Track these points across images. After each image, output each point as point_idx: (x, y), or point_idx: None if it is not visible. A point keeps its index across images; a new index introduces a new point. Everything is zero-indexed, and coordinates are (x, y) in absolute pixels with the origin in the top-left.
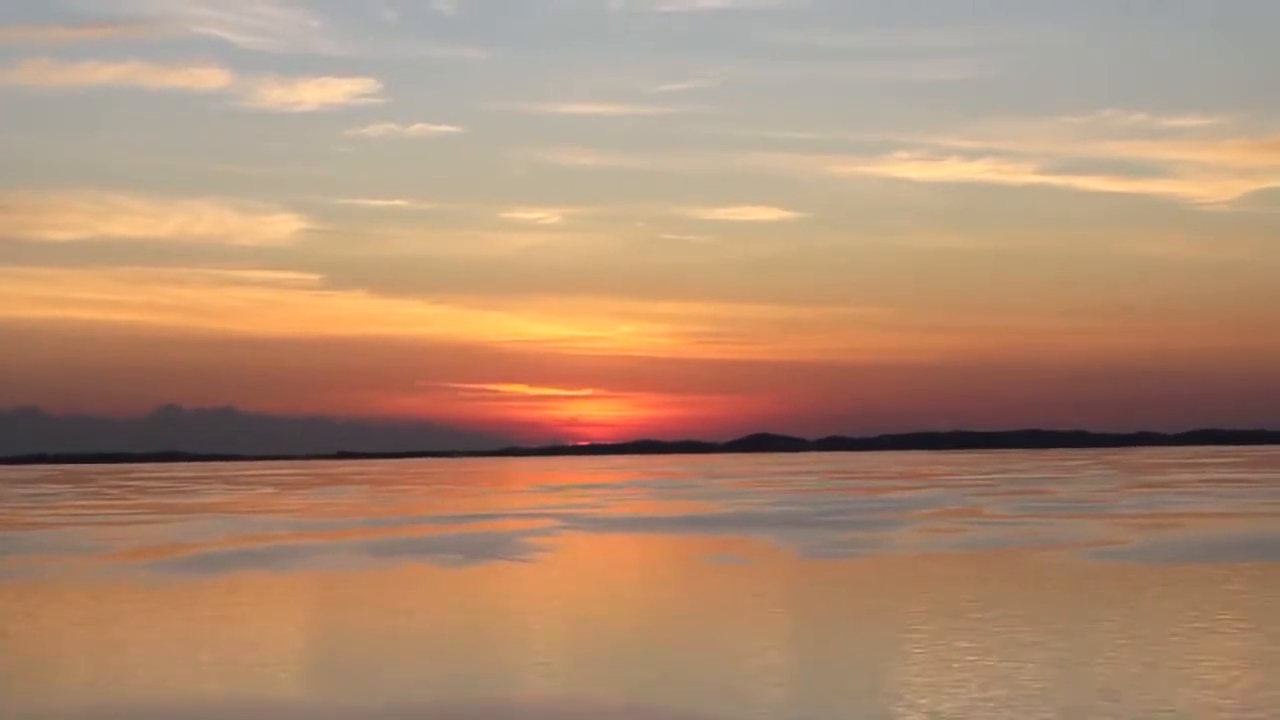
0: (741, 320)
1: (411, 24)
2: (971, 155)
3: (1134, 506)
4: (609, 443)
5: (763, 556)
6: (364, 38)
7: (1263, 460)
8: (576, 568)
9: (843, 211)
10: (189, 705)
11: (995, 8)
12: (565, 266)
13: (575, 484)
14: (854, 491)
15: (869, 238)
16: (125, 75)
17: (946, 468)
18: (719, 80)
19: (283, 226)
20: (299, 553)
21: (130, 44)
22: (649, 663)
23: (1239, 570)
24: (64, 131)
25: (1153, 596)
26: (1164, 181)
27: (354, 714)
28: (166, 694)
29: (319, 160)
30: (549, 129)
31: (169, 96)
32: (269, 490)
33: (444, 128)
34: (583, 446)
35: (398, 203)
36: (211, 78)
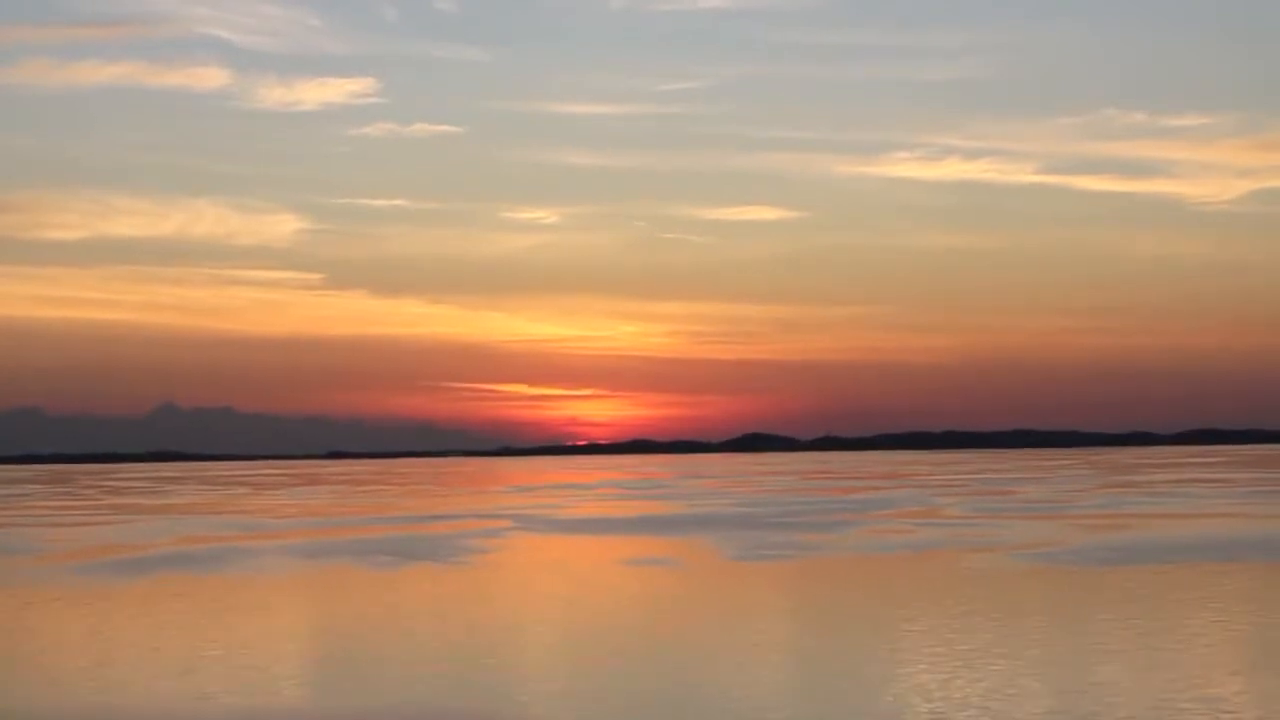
0: (741, 320)
1: (412, 24)
2: (971, 155)
3: (1094, 507)
4: (608, 442)
5: (691, 559)
6: (364, 37)
7: (1255, 460)
8: (501, 571)
9: (843, 211)
10: (47, 713)
11: (995, 8)
12: (565, 266)
13: (550, 484)
14: (823, 492)
15: (869, 237)
16: (125, 75)
17: (927, 468)
18: (719, 80)
19: (282, 226)
20: (232, 555)
21: (131, 44)
22: (521, 669)
23: (1162, 573)
24: (64, 131)
25: (1057, 599)
26: (1163, 181)
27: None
28: (29, 701)
29: (319, 160)
30: (549, 129)
31: (169, 96)
32: (242, 490)
33: (444, 127)
34: (581, 446)
35: (398, 202)
36: (212, 77)
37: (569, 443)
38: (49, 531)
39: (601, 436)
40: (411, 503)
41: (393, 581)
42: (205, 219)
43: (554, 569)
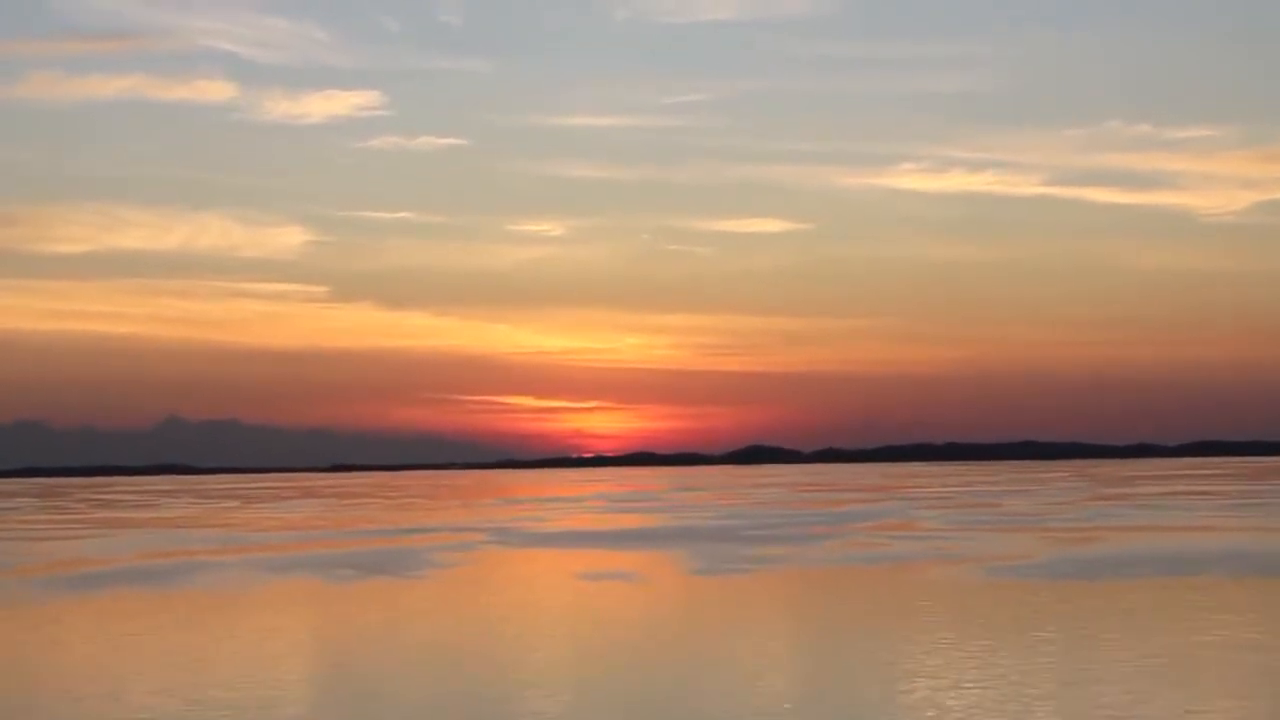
0: (747, 332)
1: (416, 36)
2: (976, 167)
3: (1073, 520)
4: (613, 454)
5: (654, 573)
6: (369, 50)
7: (1254, 472)
8: (455, 586)
9: (847, 223)
10: None
11: (1000, 20)
12: (571, 278)
13: (542, 497)
14: (809, 505)
15: (874, 249)
16: (131, 88)
17: (921, 480)
18: (723, 92)
19: (288, 238)
20: (195, 569)
21: (137, 57)
22: (444, 686)
23: (1116, 588)
24: (70, 144)
25: (1002, 613)
26: (1169, 193)
27: None
28: None
29: (324, 172)
30: (554, 141)
31: (175, 109)
32: (232, 504)
33: (449, 140)
34: (586, 459)
35: (403, 215)
36: (217, 90)
37: (574, 455)
38: (22, 545)
39: (606, 449)
40: (395, 516)
41: (343, 596)
42: (210, 231)
43: (509, 584)
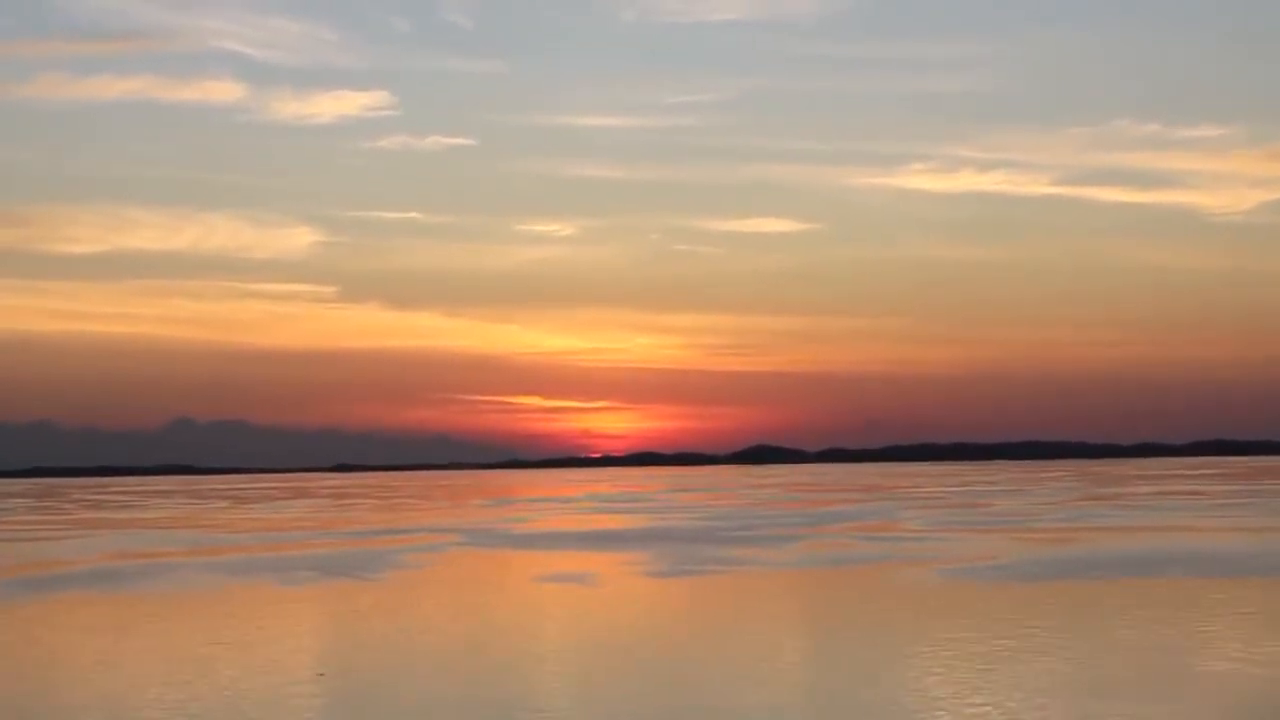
0: (755, 332)
1: (425, 37)
2: (985, 166)
3: (1055, 521)
4: (620, 454)
5: (611, 575)
6: (378, 50)
7: (1254, 472)
8: (409, 588)
9: (856, 223)
10: None
11: (1008, 19)
12: (580, 279)
13: (533, 498)
14: (796, 505)
15: (882, 249)
16: (140, 89)
17: (917, 480)
18: (732, 92)
19: (297, 239)
20: (157, 571)
21: (145, 58)
22: (361, 691)
23: (1074, 588)
24: (78, 145)
25: (948, 615)
26: (1177, 192)
27: None
28: None
29: (333, 173)
30: (563, 141)
31: (184, 110)
32: (222, 504)
33: (458, 140)
34: (594, 459)
35: (412, 215)
36: (226, 91)
37: (582, 455)
38: None
39: (614, 449)
40: (381, 517)
41: (291, 599)
42: (219, 232)
43: (464, 586)
